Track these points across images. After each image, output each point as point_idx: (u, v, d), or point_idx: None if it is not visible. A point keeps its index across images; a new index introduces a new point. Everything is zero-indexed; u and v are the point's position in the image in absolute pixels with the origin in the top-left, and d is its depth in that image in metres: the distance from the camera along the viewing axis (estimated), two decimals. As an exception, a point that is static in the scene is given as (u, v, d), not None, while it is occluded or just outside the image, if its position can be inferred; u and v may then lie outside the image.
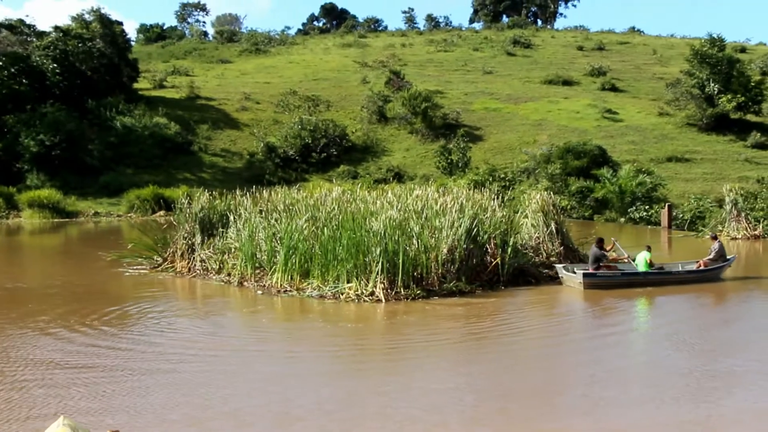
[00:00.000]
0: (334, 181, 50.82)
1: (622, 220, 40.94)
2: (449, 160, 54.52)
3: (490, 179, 45.63)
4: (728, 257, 23.87)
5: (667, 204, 39.87)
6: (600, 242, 22.82)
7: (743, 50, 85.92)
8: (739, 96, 57.95)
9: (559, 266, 22.93)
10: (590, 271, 22.00)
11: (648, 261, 22.70)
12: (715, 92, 58.98)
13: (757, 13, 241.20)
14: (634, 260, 23.02)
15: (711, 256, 23.51)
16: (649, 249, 23.19)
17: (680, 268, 23.65)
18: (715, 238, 25.02)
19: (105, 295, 21.70)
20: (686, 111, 61.51)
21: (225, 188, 28.99)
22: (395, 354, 15.56)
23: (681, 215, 39.22)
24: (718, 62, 59.34)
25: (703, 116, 59.32)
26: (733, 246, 31.44)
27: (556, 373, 13.94)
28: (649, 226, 39.53)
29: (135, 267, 25.88)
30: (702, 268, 23.24)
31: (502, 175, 48.49)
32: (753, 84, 59.50)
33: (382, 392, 12.56)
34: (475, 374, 13.54)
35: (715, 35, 61.88)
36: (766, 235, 33.69)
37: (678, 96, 63.58)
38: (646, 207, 41.21)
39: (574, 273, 22.14)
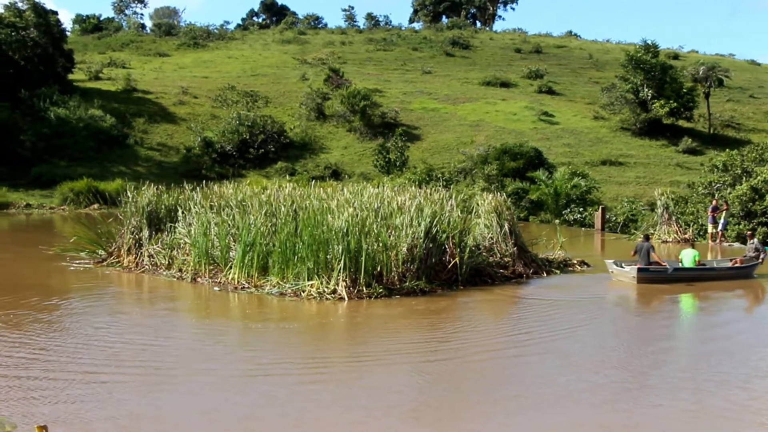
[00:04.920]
0: (274, 177, 50.47)
1: (557, 221, 41.26)
2: (387, 159, 54.50)
3: (428, 179, 45.66)
4: (762, 255, 24.86)
5: (600, 207, 40.37)
6: (647, 237, 24.24)
7: (676, 57, 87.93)
8: (671, 102, 59.29)
9: (608, 261, 23.96)
10: (644, 266, 22.68)
11: (696, 260, 23.74)
12: (649, 98, 60.20)
13: (690, 22, 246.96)
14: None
15: (751, 254, 24.75)
16: (693, 246, 24.63)
17: (714, 266, 24.77)
18: (752, 236, 25.91)
19: (47, 289, 20.94)
20: (620, 115, 62.70)
21: (161, 182, 28.29)
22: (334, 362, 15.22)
23: (614, 218, 39.75)
24: (651, 68, 60.61)
25: (637, 121, 60.53)
26: (664, 249, 31.91)
27: (501, 379, 13.72)
28: (583, 228, 39.99)
29: (78, 261, 25.03)
30: (738, 264, 24.20)
31: (440, 175, 48.58)
32: (685, 90, 60.97)
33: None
34: (425, 382, 13.23)
35: (649, 42, 63.38)
36: (695, 238, 34.28)
37: (613, 100, 64.74)
38: (581, 209, 41.69)
39: (622, 267, 23.00)
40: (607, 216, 39.83)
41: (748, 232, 28.13)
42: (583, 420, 11.39)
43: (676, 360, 15.02)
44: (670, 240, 34.08)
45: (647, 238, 24.33)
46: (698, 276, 23.44)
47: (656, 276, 22.76)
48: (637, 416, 11.52)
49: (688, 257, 23.80)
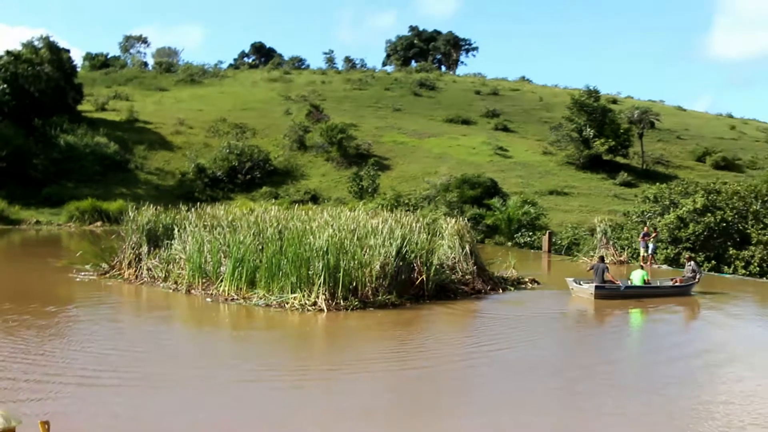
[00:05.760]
0: (259, 200, 50.37)
1: (509, 244, 41.52)
2: (360, 186, 54.62)
3: (396, 204, 45.81)
4: (698, 276, 25.69)
5: (547, 231, 40.64)
6: (602, 259, 25.00)
7: (615, 102, 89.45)
8: (610, 140, 60.32)
9: (569, 279, 24.64)
10: (600, 284, 23.36)
11: (645, 279, 24.65)
12: (591, 136, 61.04)
13: (627, 71, 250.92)
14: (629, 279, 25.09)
15: (689, 274, 25.58)
16: (642, 268, 25.48)
17: (659, 284, 25.59)
18: (690, 259, 26.73)
19: (53, 298, 20.74)
20: (566, 151, 63.42)
21: (158, 204, 28.19)
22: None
23: (559, 241, 40.05)
24: (593, 111, 61.65)
25: (580, 156, 61.31)
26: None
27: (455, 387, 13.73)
28: (532, 250, 40.20)
29: (84, 273, 24.80)
30: (679, 284, 25.15)
31: (407, 201, 48.77)
32: (622, 131, 62.13)
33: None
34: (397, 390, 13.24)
35: (591, 88, 64.63)
36: (629, 260, 34.76)
37: (559, 138, 65.52)
38: (530, 233, 41.96)
39: (581, 285, 23.77)
40: (553, 240, 40.13)
41: (687, 256, 28.76)
42: (517, 422, 11.46)
43: (607, 370, 15.05)
44: (608, 262, 34.39)
45: (602, 259, 24.98)
46: (646, 293, 24.27)
47: (610, 293, 23.41)
48: (566, 418, 11.66)
49: (637, 277, 24.63)
